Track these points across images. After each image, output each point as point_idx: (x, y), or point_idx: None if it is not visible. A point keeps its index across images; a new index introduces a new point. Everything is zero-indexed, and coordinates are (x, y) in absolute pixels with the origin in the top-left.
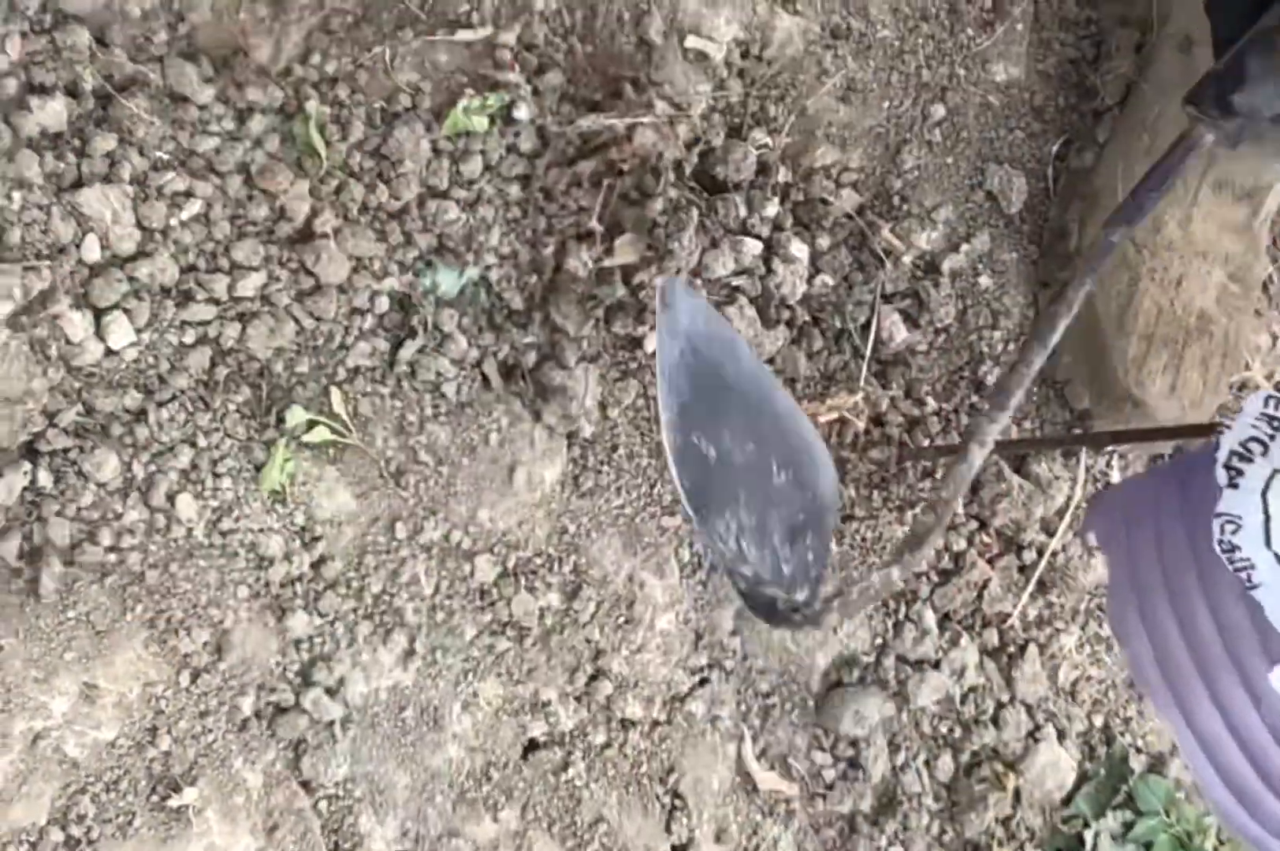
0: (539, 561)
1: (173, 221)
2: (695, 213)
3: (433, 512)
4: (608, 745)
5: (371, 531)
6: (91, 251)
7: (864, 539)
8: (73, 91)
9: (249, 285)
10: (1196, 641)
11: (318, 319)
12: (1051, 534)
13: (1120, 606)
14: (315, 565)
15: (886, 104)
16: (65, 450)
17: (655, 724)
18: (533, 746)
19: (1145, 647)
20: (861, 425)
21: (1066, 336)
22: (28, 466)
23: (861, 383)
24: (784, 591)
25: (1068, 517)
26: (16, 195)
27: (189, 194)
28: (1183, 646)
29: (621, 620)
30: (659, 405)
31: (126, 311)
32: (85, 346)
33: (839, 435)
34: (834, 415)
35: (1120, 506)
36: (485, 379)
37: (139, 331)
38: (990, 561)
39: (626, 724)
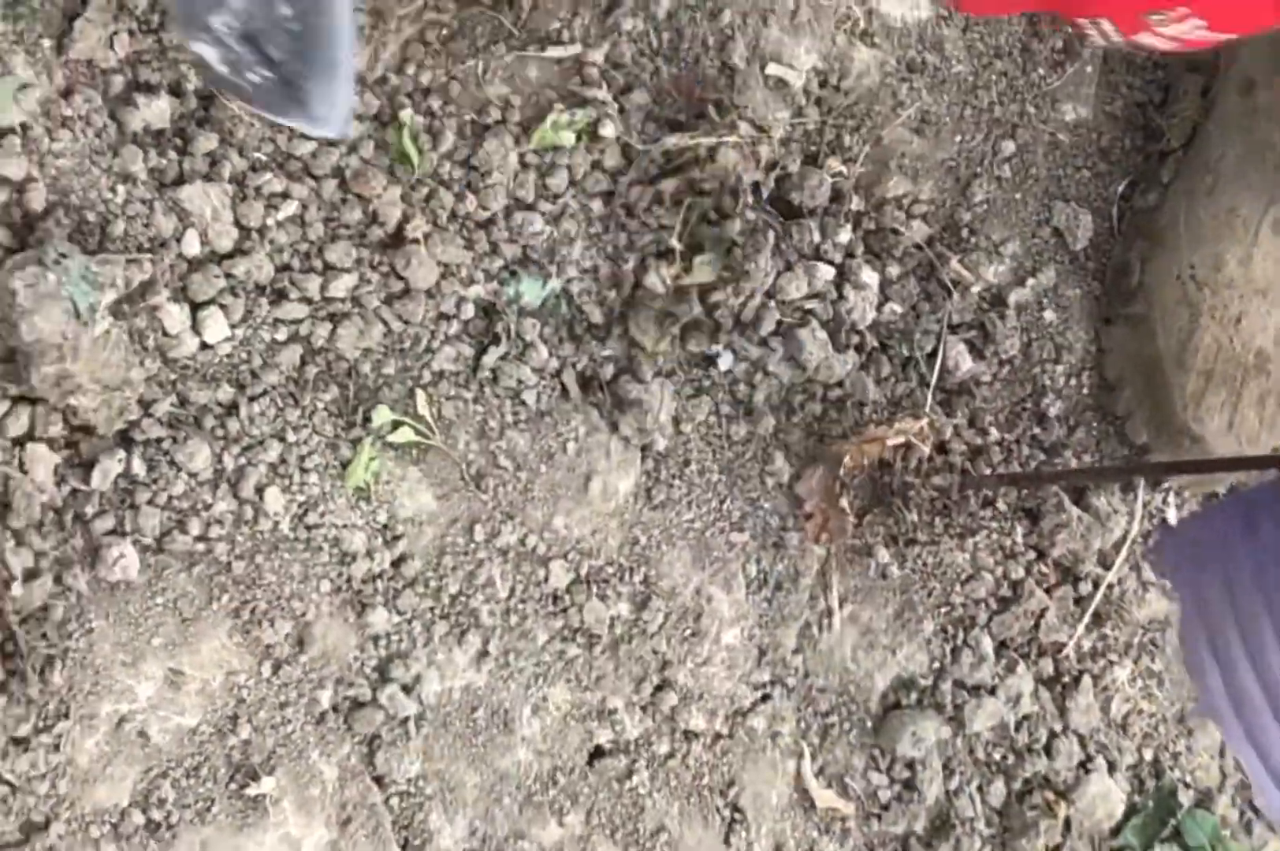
0: (610, 570)
1: (269, 221)
2: (772, 235)
3: (510, 517)
4: (671, 755)
5: (450, 532)
6: (191, 246)
7: (925, 563)
8: (176, 91)
9: (341, 286)
10: (1268, 677)
11: (406, 322)
12: (1108, 567)
13: (1191, 641)
14: (396, 563)
15: (958, 138)
16: (159, 440)
17: (717, 737)
18: (598, 753)
19: (1216, 682)
20: (926, 451)
21: (1127, 370)
22: (122, 454)
23: (926, 410)
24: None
25: (1124, 551)
26: (121, 189)
27: (285, 195)
28: (1254, 681)
29: (688, 633)
30: None
31: (222, 307)
32: (182, 339)
33: (904, 460)
34: (901, 439)
35: (1187, 544)
36: (564, 388)
37: (233, 327)
38: (1048, 591)
39: (689, 735)
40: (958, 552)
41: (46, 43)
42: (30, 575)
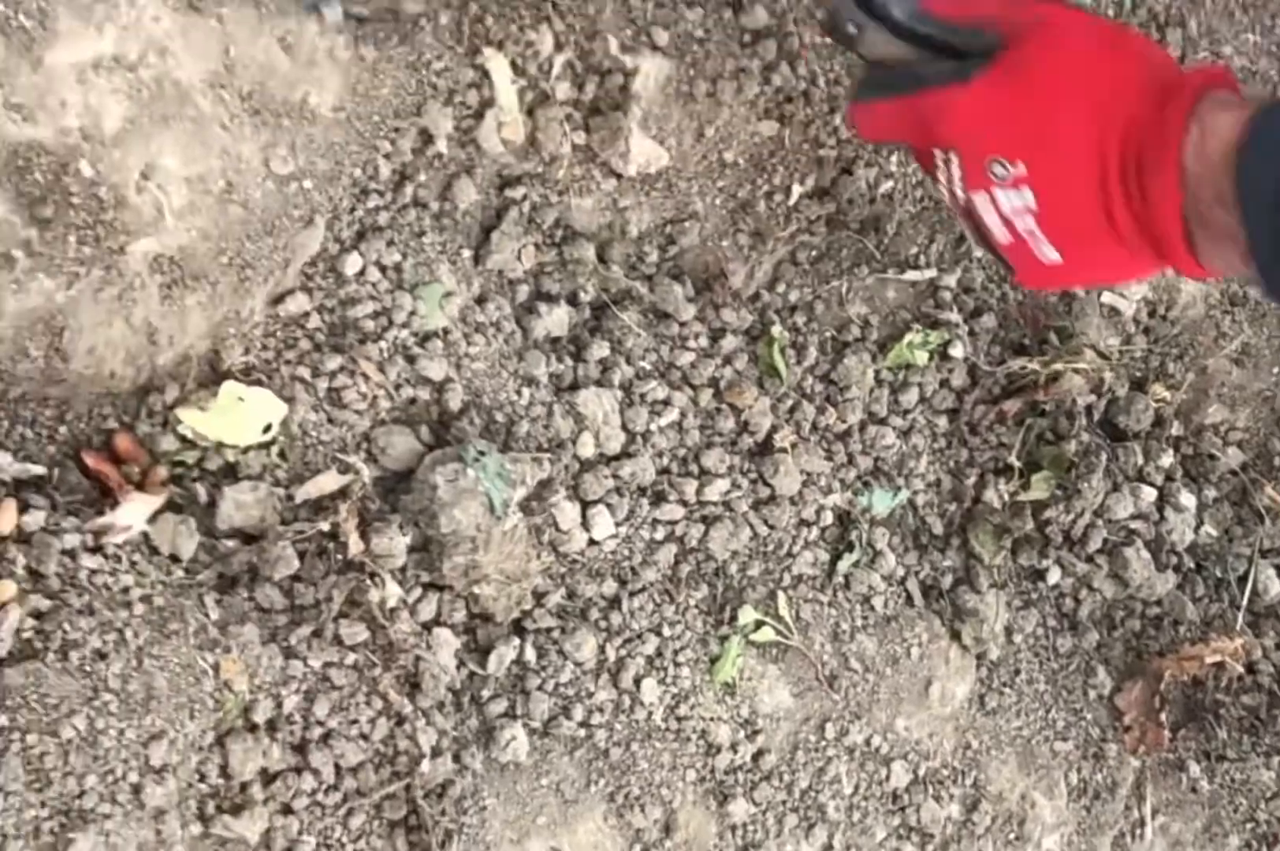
0: (945, 772)
1: (652, 426)
2: (1103, 457)
3: (857, 717)
4: None
5: (804, 729)
6: (585, 448)
7: (1233, 779)
8: (573, 301)
9: (714, 491)
10: None
11: (770, 527)
12: None
13: None
14: (755, 756)
15: (1275, 370)
16: (549, 629)
17: None
18: None
19: None
20: (1238, 670)
21: None
22: (517, 641)
23: (1237, 630)
24: None
25: None
26: (526, 391)
27: (667, 403)
28: None
29: (1012, 836)
30: None
31: (609, 506)
32: (572, 535)
33: (1216, 678)
34: (1216, 658)
35: None
36: (909, 595)
37: (617, 525)
38: None
39: None
40: (1264, 770)
41: (466, 253)
42: (435, 753)
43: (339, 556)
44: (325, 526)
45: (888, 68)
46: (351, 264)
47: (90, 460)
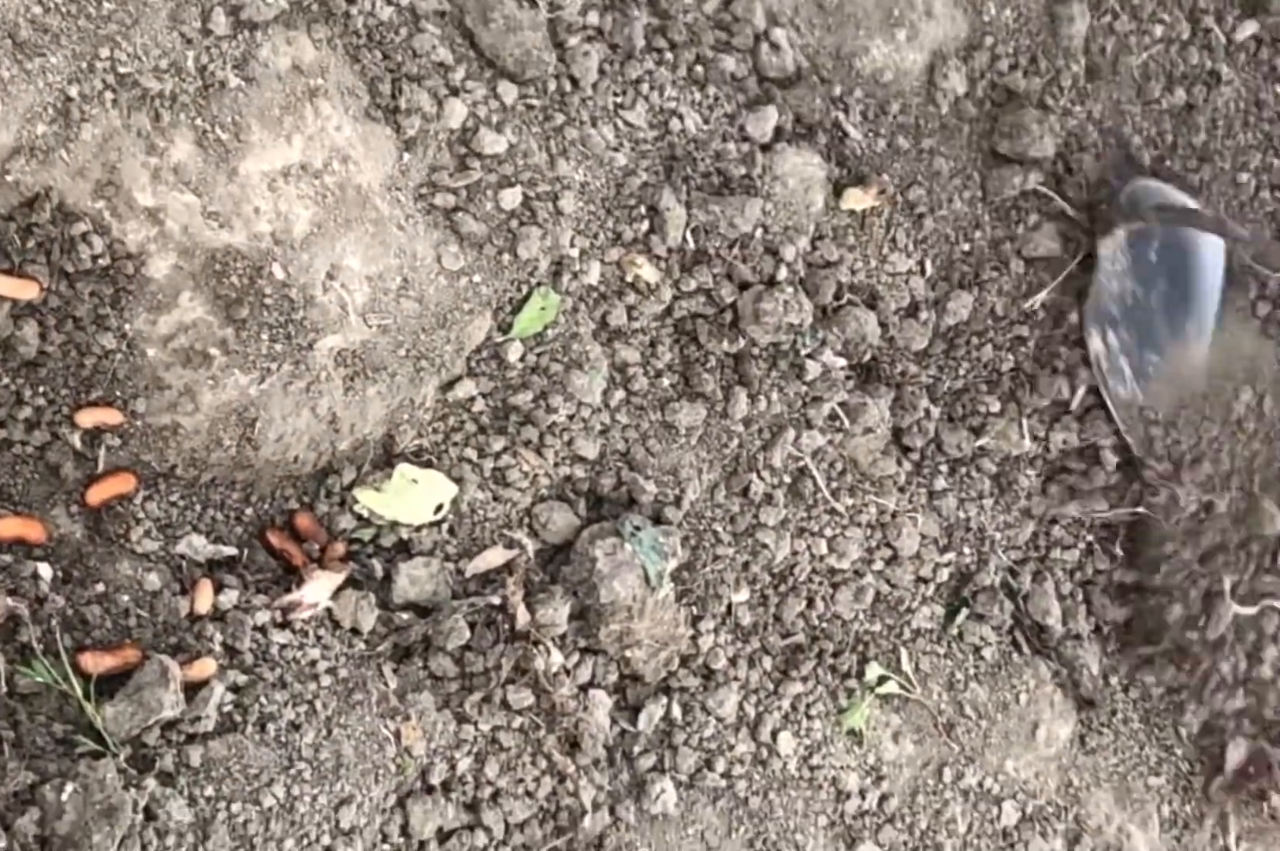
0: (1050, 810)
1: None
2: None
3: (971, 761)
4: None
5: (923, 774)
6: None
7: None
8: None
9: (845, 562)
10: None
11: (893, 586)
12: None
13: None
14: (880, 801)
15: None
16: (692, 689)
17: None
18: None
19: None
20: None
21: None
22: (664, 700)
23: None
24: None
25: None
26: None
27: None
28: None
29: None
30: None
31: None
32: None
33: None
34: None
35: None
36: (1016, 644)
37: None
38: None
39: None
40: None
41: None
42: (595, 808)
43: (507, 627)
44: (495, 599)
45: None
46: (514, 351)
47: (275, 539)
